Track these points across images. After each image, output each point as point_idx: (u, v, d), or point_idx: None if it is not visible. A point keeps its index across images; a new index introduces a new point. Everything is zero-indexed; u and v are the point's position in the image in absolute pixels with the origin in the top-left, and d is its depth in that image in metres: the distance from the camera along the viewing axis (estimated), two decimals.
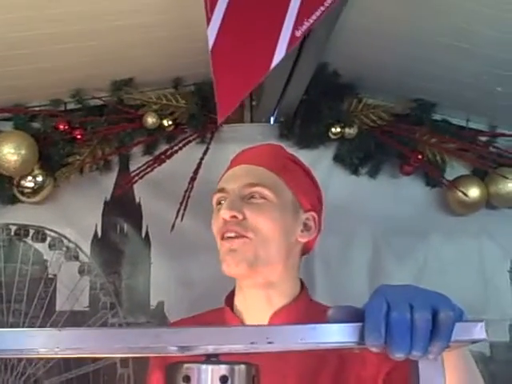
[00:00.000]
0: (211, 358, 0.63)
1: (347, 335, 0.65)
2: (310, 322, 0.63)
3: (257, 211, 1.16)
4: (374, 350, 0.66)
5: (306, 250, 1.28)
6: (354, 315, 0.69)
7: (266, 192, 1.18)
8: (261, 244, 1.15)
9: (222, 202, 1.20)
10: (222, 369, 0.62)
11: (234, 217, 1.15)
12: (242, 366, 0.63)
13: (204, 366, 0.62)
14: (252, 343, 0.60)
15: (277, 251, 1.18)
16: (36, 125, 1.94)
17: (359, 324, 0.66)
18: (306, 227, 1.24)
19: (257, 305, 1.20)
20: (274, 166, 1.22)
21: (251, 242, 1.15)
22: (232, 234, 1.15)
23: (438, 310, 0.68)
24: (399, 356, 0.66)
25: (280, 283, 1.20)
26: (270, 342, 0.60)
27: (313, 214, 1.26)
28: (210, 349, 0.61)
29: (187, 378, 0.62)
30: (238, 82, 1.18)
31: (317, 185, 1.32)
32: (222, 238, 1.17)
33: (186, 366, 0.62)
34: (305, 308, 1.21)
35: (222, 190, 1.22)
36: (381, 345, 0.66)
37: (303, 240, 1.24)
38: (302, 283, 1.26)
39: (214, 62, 1.17)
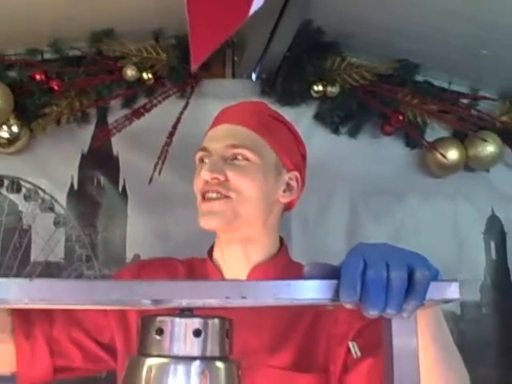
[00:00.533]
0: (185, 312, 0.63)
1: (322, 292, 0.65)
2: (284, 278, 0.63)
3: (239, 173, 1.16)
4: (348, 306, 0.67)
5: (287, 208, 1.29)
6: (330, 272, 0.69)
7: (249, 154, 1.18)
8: (241, 204, 1.16)
9: (205, 160, 1.20)
10: (196, 322, 0.62)
11: (216, 178, 1.15)
12: (216, 320, 0.64)
13: (177, 319, 0.62)
14: (226, 298, 0.60)
15: (257, 211, 1.19)
16: (12, 74, 1.88)
17: (334, 281, 0.66)
18: (289, 187, 1.25)
19: (234, 259, 1.21)
20: (256, 125, 1.21)
21: (231, 202, 1.15)
22: (213, 195, 1.15)
23: (413, 268, 0.69)
24: (373, 313, 0.67)
25: (258, 240, 1.21)
26: (243, 297, 0.60)
27: (295, 173, 1.26)
28: (184, 303, 0.61)
29: (160, 331, 0.62)
30: (214, 29, 1.15)
31: (301, 141, 1.32)
32: (203, 198, 1.17)
33: (159, 318, 0.62)
34: (283, 266, 1.22)
35: (204, 149, 1.21)
36: (355, 302, 0.67)
37: (285, 200, 1.25)
38: (282, 241, 1.26)
39: (190, 7, 1.14)
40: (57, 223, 1.94)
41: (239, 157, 1.18)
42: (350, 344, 1.08)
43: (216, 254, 1.25)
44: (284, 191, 1.24)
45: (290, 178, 1.25)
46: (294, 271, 1.19)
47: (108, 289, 0.59)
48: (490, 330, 2.07)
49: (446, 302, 0.70)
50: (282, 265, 1.22)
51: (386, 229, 2.02)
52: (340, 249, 1.95)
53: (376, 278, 0.68)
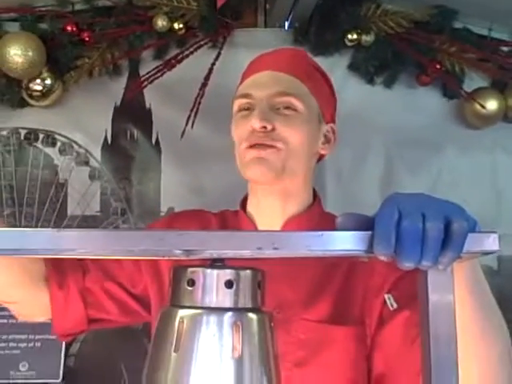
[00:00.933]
0: (216, 263, 0.63)
1: (354, 243, 0.63)
2: (317, 229, 0.61)
3: (288, 124, 1.13)
4: (382, 258, 0.65)
5: (319, 159, 1.27)
6: (364, 223, 0.67)
7: (297, 103, 1.14)
8: (289, 155, 1.12)
9: (246, 108, 1.16)
10: (228, 273, 0.61)
11: (264, 127, 1.11)
12: (248, 272, 0.63)
13: (209, 271, 0.61)
14: (258, 248, 0.59)
15: (301, 164, 1.16)
16: (43, 26, 1.88)
17: (368, 232, 0.64)
18: (327, 139, 1.23)
19: (271, 211, 1.19)
20: (301, 74, 1.18)
21: (280, 152, 1.12)
22: (260, 147, 1.12)
23: (451, 219, 0.66)
24: (408, 265, 0.65)
25: (297, 193, 1.19)
26: (275, 248, 0.59)
27: (332, 125, 1.24)
28: (215, 253, 0.60)
29: (192, 282, 0.61)
30: None
31: (334, 94, 1.28)
32: (249, 147, 1.13)
33: (190, 269, 0.62)
34: (317, 218, 1.20)
35: (247, 96, 1.17)
36: (390, 253, 0.65)
37: (324, 152, 1.23)
38: (316, 193, 1.25)
39: None
40: (92, 177, 1.96)
41: (288, 106, 1.14)
42: (386, 296, 1.07)
43: (250, 206, 1.23)
44: (323, 143, 1.22)
45: (328, 131, 1.23)
46: (327, 223, 1.18)
47: (138, 238, 0.58)
48: None
49: (485, 254, 0.67)
50: (315, 217, 1.20)
51: (422, 181, 1.98)
52: (374, 201, 1.89)
53: (411, 228, 0.65)
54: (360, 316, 1.10)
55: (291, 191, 1.17)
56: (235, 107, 1.20)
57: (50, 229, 0.59)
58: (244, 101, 1.17)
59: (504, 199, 2.02)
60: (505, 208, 2.00)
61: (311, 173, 1.22)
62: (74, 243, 0.59)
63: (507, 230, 1.97)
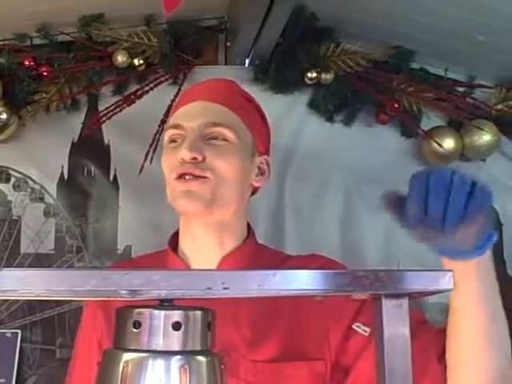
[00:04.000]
0: (165, 303, 0.60)
1: (309, 282, 0.61)
2: (268, 267, 0.59)
3: (218, 154, 1.10)
4: (414, 222, 0.76)
5: (254, 192, 1.24)
6: (401, 200, 0.80)
7: (229, 133, 1.11)
8: (219, 184, 1.09)
9: (176, 139, 1.13)
10: (176, 314, 0.59)
11: (195, 158, 1.08)
12: (197, 312, 0.60)
13: (156, 311, 0.59)
14: (208, 288, 0.57)
15: (233, 193, 1.13)
16: (0, 60, 1.85)
17: (322, 271, 0.63)
18: (261, 171, 1.20)
19: (207, 247, 1.14)
20: (233, 104, 1.16)
21: (209, 182, 1.08)
22: (189, 177, 1.08)
23: (475, 184, 0.77)
24: (434, 222, 0.76)
25: (231, 225, 1.15)
26: (226, 288, 0.57)
27: (266, 157, 1.22)
28: (163, 293, 0.57)
29: (138, 324, 0.58)
30: None
31: (267, 124, 1.26)
32: (178, 179, 1.10)
33: (136, 310, 0.59)
34: (253, 252, 1.17)
35: (177, 127, 1.13)
36: (420, 224, 0.75)
37: (257, 185, 1.21)
38: (249, 226, 1.22)
39: None
40: (47, 213, 1.91)
41: (217, 136, 1.11)
42: (354, 326, 1.05)
43: (184, 243, 1.18)
44: (256, 175, 1.19)
45: (262, 162, 1.20)
46: (263, 256, 1.18)
47: (83, 278, 0.55)
48: None
49: (439, 292, 0.67)
50: (251, 251, 1.17)
51: (381, 219, 1.98)
52: (334, 239, 1.93)
53: (439, 181, 0.76)
54: (315, 350, 1.07)
55: (224, 224, 1.14)
56: (166, 138, 1.16)
57: None
58: (174, 131, 1.14)
59: None
60: None
61: (245, 205, 1.19)
62: (16, 283, 0.56)
63: None
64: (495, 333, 0.90)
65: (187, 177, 1.08)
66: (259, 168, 1.20)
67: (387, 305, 0.65)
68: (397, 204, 0.79)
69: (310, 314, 1.08)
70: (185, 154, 1.08)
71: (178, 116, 1.16)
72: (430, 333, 1.03)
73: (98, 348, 1.15)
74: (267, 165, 1.22)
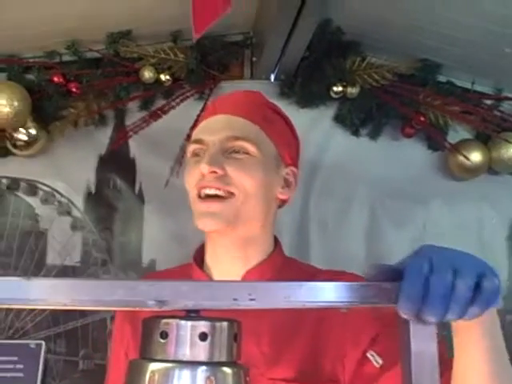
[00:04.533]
0: (191, 314, 0.60)
1: (335, 294, 0.61)
2: (295, 280, 0.59)
3: (239, 167, 1.09)
4: (405, 311, 0.64)
5: (281, 205, 1.23)
6: (392, 273, 0.67)
7: (250, 147, 1.11)
8: (242, 202, 1.09)
9: (199, 154, 1.13)
10: (202, 325, 0.59)
11: (214, 172, 1.08)
12: (224, 323, 0.60)
13: (183, 322, 0.59)
14: (234, 300, 0.57)
15: (258, 209, 1.12)
16: (30, 77, 1.88)
17: (349, 283, 0.62)
18: (287, 183, 1.19)
19: (231, 260, 1.14)
20: (255, 117, 1.15)
21: (232, 200, 1.08)
22: (211, 192, 1.08)
23: (483, 276, 0.67)
24: (431, 321, 0.64)
25: (257, 240, 1.15)
26: (252, 299, 0.57)
27: (293, 168, 1.21)
28: (190, 304, 0.58)
29: (165, 334, 0.59)
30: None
31: (296, 135, 1.25)
32: (199, 196, 1.10)
33: (164, 321, 0.59)
34: (279, 265, 1.16)
35: (198, 142, 1.14)
36: (415, 307, 0.63)
37: (283, 197, 1.19)
38: (276, 239, 1.21)
39: None
40: (74, 227, 1.93)
41: (239, 149, 1.11)
42: (369, 354, 1.02)
43: (208, 257, 1.18)
44: (282, 187, 1.18)
45: (288, 174, 1.19)
46: (290, 270, 1.16)
47: (110, 288, 0.56)
48: None
49: None
50: (277, 264, 1.16)
51: (406, 233, 1.97)
52: (359, 253, 1.92)
53: (441, 283, 0.65)
54: (332, 372, 1.05)
55: (250, 238, 1.13)
56: (188, 153, 1.17)
57: (19, 277, 0.56)
58: (196, 146, 1.14)
59: (489, 251, 2.00)
60: (489, 260, 1.97)
61: (271, 218, 1.18)
62: (44, 293, 0.56)
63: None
64: None
65: (209, 190, 1.08)
66: (285, 180, 1.19)
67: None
68: (384, 277, 0.67)
69: (330, 335, 1.07)
70: (204, 167, 1.07)
71: (199, 130, 1.17)
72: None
73: (126, 360, 1.15)
74: (294, 176, 1.21)
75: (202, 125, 1.17)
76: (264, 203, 1.13)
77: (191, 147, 1.16)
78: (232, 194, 1.09)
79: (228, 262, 1.14)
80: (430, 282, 0.64)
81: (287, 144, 1.20)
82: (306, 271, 1.19)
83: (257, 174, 1.11)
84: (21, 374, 1.77)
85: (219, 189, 1.08)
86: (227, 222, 1.08)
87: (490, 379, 0.81)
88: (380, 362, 1.02)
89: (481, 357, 0.80)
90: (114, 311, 1.30)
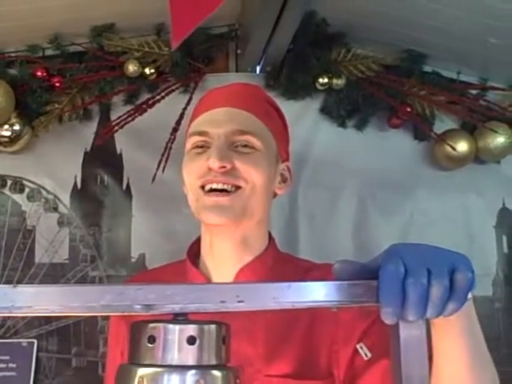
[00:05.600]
0: (179, 318, 0.60)
1: (323, 294, 0.61)
2: (283, 280, 0.59)
3: (247, 162, 1.08)
4: (387, 315, 0.64)
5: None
6: (362, 271, 0.67)
7: (256, 141, 1.10)
8: (251, 195, 1.09)
9: (202, 146, 1.11)
10: (190, 328, 0.59)
11: (223, 167, 1.06)
12: (212, 326, 0.60)
13: (171, 326, 0.58)
14: (222, 302, 0.57)
15: (262, 204, 1.12)
16: (13, 71, 1.86)
17: (336, 282, 0.62)
18: (283, 178, 1.20)
19: (226, 257, 1.14)
20: (258, 111, 1.14)
21: (241, 194, 1.08)
22: (219, 186, 1.07)
23: (455, 271, 0.67)
24: (413, 319, 0.65)
25: (253, 236, 1.15)
26: (240, 301, 0.57)
27: (288, 164, 1.21)
28: (177, 308, 0.57)
29: (152, 339, 0.58)
30: (194, 7, 1.10)
31: (288, 130, 1.25)
32: (203, 188, 1.08)
33: (151, 325, 0.59)
34: (272, 261, 1.16)
35: (202, 134, 1.11)
36: (397, 310, 0.64)
37: (280, 192, 1.19)
38: (270, 235, 1.21)
39: None
40: (61, 223, 1.92)
41: (245, 143, 1.10)
42: (358, 346, 1.03)
43: (204, 253, 1.17)
44: (279, 182, 1.18)
45: (284, 169, 1.20)
46: (284, 265, 1.15)
47: (97, 293, 0.56)
48: (502, 325, 2.03)
49: None
50: (269, 260, 1.16)
51: (394, 223, 1.98)
52: (347, 244, 1.93)
53: (417, 286, 0.65)
54: (327, 368, 1.05)
55: (249, 236, 1.13)
56: (188, 145, 1.15)
57: (5, 285, 0.56)
58: (199, 138, 1.12)
59: (476, 240, 2.02)
60: (477, 249, 2.00)
61: (268, 213, 1.19)
62: (31, 300, 0.56)
63: (480, 271, 1.96)
64: (483, 378, 0.85)
65: (216, 185, 1.07)
66: (281, 175, 1.19)
67: None
68: (356, 276, 0.66)
69: (323, 332, 1.07)
70: (213, 162, 1.06)
71: (202, 122, 1.14)
72: None
73: (122, 359, 1.15)
74: (289, 171, 1.21)
75: (203, 116, 1.15)
76: (266, 198, 1.14)
77: (193, 139, 1.13)
78: (239, 187, 1.08)
79: (223, 260, 1.14)
80: (406, 287, 0.65)
81: (283, 139, 1.20)
82: (301, 266, 1.19)
83: (263, 169, 1.10)
84: (13, 373, 1.77)
85: (227, 183, 1.07)
86: (235, 216, 1.07)
87: (468, 370, 0.82)
88: (369, 355, 1.03)
89: (459, 347, 0.81)
90: None
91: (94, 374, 1.84)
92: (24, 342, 1.82)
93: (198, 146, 1.13)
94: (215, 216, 1.07)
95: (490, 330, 1.99)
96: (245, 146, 1.10)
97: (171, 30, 1.12)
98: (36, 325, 1.84)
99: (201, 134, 1.12)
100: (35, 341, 1.82)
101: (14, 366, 1.79)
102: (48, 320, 1.84)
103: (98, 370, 1.85)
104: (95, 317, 1.85)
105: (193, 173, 1.11)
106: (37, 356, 1.82)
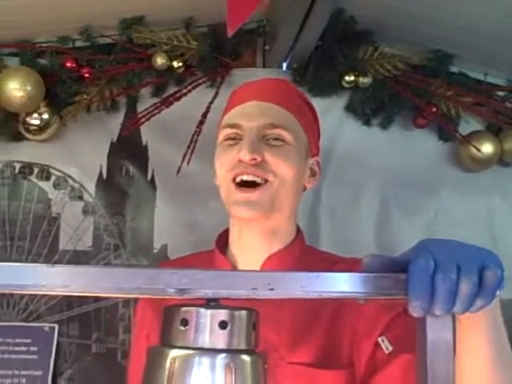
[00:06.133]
0: (211, 303, 0.61)
1: (350, 285, 0.62)
2: (312, 270, 0.60)
3: (278, 155, 1.10)
4: (415, 308, 0.65)
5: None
6: (390, 265, 0.68)
7: (287, 135, 1.12)
8: (279, 189, 1.10)
9: (234, 138, 1.14)
10: (222, 314, 0.60)
11: (254, 159, 1.08)
12: (243, 312, 0.62)
13: (203, 310, 0.60)
14: (253, 289, 0.58)
15: (291, 197, 1.14)
16: (43, 61, 1.89)
17: (364, 274, 0.63)
18: (312, 172, 1.22)
19: (255, 248, 1.16)
20: (291, 105, 1.16)
21: (269, 187, 1.09)
22: (249, 178, 1.09)
23: (485, 268, 0.68)
24: (440, 314, 0.66)
25: (284, 227, 1.17)
26: (271, 289, 0.58)
27: (317, 158, 1.23)
28: (210, 293, 0.59)
29: (185, 322, 0.60)
30: None
31: (319, 125, 1.27)
32: (234, 181, 1.11)
33: (184, 309, 0.60)
34: (298, 253, 1.18)
35: (235, 126, 1.14)
36: (426, 305, 0.64)
37: (310, 186, 1.22)
38: (298, 228, 1.23)
39: None
40: (85, 212, 1.94)
41: (277, 137, 1.12)
42: (379, 339, 1.04)
43: (232, 243, 1.19)
44: (308, 177, 1.21)
45: (313, 164, 1.22)
46: (309, 258, 1.17)
47: (130, 275, 0.57)
48: None
49: None
50: (296, 252, 1.18)
51: (417, 223, 1.98)
52: (368, 241, 1.93)
53: (446, 282, 0.65)
54: (348, 358, 1.07)
55: (278, 228, 1.15)
56: (221, 137, 1.17)
57: (42, 264, 0.58)
58: (232, 131, 1.14)
59: (500, 242, 2.01)
60: (501, 251, 1.94)
61: (297, 207, 1.21)
62: (66, 279, 0.58)
63: (505, 273, 1.96)
64: (502, 381, 0.84)
65: (247, 177, 1.09)
66: (311, 169, 1.21)
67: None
68: (385, 269, 0.67)
69: (346, 323, 1.08)
70: (244, 154, 1.08)
71: (234, 115, 1.16)
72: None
73: (147, 342, 1.17)
74: (318, 166, 1.23)
75: (235, 110, 1.17)
76: (296, 191, 1.16)
77: (226, 131, 1.16)
78: (267, 180, 1.10)
79: (251, 250, 1.16)
80: (435, 281, 0.65)
81: (314, 134, 1.23)
82: (327, 259, 1.21)
83: (293, 162, 1.12)
84: (34, 356, 1.79)
85: (257, 176, 1.09)
86: (263, 211, 1.09)
87: (491, 367, 0.83)
88: (390, 348, 1.03)
89: (483, 344, 0.81)
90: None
91: (114, 360, 1.87)
92: (46, 326, 1.85)
93: (230, 138, 1.15)
94: (245, 210, 1.09)
95: None
96: (276, 139, 1.12)
97: (227, 17, 1.13)
98: (58, 310, 1.87)
99: (233, 126, 1.14)
100: (56, 326, 1.85)
101: (35, 349, 1.81)
102: (70, 305, 1.87)
103: (117, 357, 1.87)
104: (116, 304, 1.88)
105: (224, 164, 1.14)
106: (58, 341, 1.84)
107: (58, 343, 1.84)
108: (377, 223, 1.97)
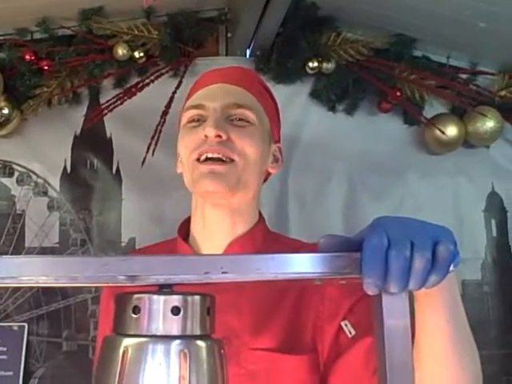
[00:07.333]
0: (163, 289, 0.60)
1: (306, 266, 0.62)
2: (267, 252, 0.59)
3: (243, 135, 1.10)
4: (369, 285, 0.64)
5: (264, 180, 1.25)
6: (347, 244, 0.67)
7: (251, 115, 1.12)
8: (245, 168, 1.10)
9: (198, 119, 1.13)
10: (174, 299, 0.59)
11: (219, 136, 1.07)
12: (196, 297, 0.60)
13: (155, 297, 0.59)
14: (206, 273, 0.57)
15: (255, 178, 1.14)
16: (1, 55, 1.85)
17: (320, 254, 0.63)
18: (275, 158, 1.22)
19: (218, 232, 1.14)
20: (254, 89, 1.17)
21: (235, 166, 1.08)
22: (215, 155, 1.07)
23: (438, 242, 0.67)
24: (394, 292, 0.65)
25: (245, 211, 1.16)
26: (224, 272, 0.57)
27: (279, 145, 1.23)
28: (161, 279, 0.57)
29: (137, 309, 0.59)
30: None
31: (279, 113, 1.27)
32: (199, 159, 1.09)
33: (135, 296, 0.59)
34: (261, 237, 1.17)
35: (198, 107, 1.13)
36: (379, 281, 0.64)
37: (273, 171, 1.22)
38: (260, 213, 1.22)
39: None
40: (50, 207, 1.91)
41: (241, 117, 1.11)
42: (342, 323, 1.04)
43: (194, 229, 1.18)
44: (271, 162, 1.20)
45: (275, 150, 1.22)
46: (271, 242, 1.17)
47: (81, 264, 0.56)
48: (491, 308, 2.05)
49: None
50: (259, 236, 1.17)
51: (384, 207, 1.98)
52: (337, 227, 1.93)
53: (400, 258, 0.65)
54: (312, 343, 1.06)
55: (241, 209, 1.14)
56: (184, 119, 1.16)
57: None
58: (196, 112, 1.13)
59: (466, 224, 2.03)
60: (467, 232, 2.01)
61: (259, 191, 1.20)
62: (15, 271, 0.56)
63: (470, 255, 1.98)
64: (465, 351, 0.86)
65: (212, 154, 1.07)
66: (273, 155, 1.21)
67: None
68: (341, 249, 0.66)
69: (310, 307, 1.08)
70: (209, 131, 1.07)
71: (198, 97, 1.15)
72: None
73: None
74: (280, 153, 1.23)
75: (199, 92, 1.16)
76: (259, 173, 1.15)
77: (189, 113, 1.15)
78: (233, 160, 1.09)
79: (214, 234, 1.14)
80: (389, 258, 0.65)
81: (276, 121, 1.23)
82: (291, 245, 1.20)
83: (258, 143, 1.12)
84: (4, 357, 1.77)
85: (222, 154, 1.08)
86: (229, 186, 1.08)
87: (449, 344, 0.83)
88: (353, 332, 1.03)
89: (440, 320, 0.81)
90: (100, 290, 1.30)
91: (85, 357, 1.84)
92: (15, 325, 1.82)
93: (193, 120, 1.14)
94: (211, 182, 1.07)
95: (479, 314, 2.01)
96: (240, 119, 1.12)
97: None
98: (26, 308, 1.84)
99: (197, 107, 1.13)
100: (26, 324, 1.82)
101: (5, 349, 1.79)
102: (39, 304, 1.84)
103: (88, 354, 1.85)
104: (85, 301, 1.86)
105: (189, 146, 1.12)
106: (27, 340, 1.82)
107: (28, 342, 1.82)
108: (344, 208, 1.97)
